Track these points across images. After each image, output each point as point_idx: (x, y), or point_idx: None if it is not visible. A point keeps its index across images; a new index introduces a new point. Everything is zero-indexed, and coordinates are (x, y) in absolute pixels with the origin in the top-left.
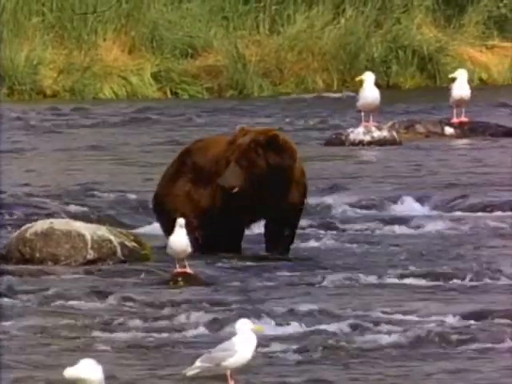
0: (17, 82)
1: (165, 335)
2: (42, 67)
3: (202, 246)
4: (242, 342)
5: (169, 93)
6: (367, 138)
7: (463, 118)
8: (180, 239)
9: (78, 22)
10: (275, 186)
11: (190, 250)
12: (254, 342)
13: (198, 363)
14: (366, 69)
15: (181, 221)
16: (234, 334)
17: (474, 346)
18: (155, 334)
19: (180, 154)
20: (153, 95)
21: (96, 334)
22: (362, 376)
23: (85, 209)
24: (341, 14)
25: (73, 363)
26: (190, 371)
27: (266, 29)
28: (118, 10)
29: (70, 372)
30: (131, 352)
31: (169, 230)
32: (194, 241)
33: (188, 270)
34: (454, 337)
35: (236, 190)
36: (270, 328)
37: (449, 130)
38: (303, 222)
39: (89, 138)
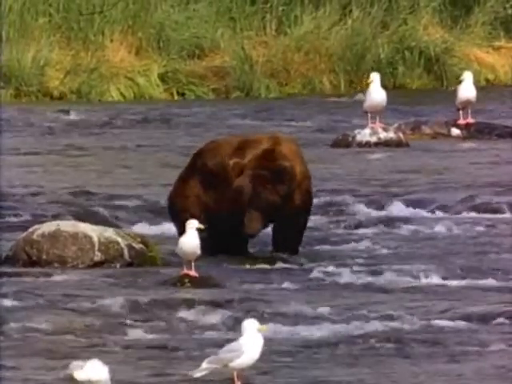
0: (23, 83)
1: (171, 336)
2: (49, 68)
3: (210, 247)
4: (249, 342)
5: (175, 94)
6: (374, 139)
7: (469, 119)
8: (190, 240)
9: (85, 23)
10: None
11: (199, 251)
12: (260, 342)
13: (204, 364)
14: (373, 70)
15: (192, 222)
16: (240, 334)
17: (476, 346)
18: (162, 336)
19: (193, 155)
20: (159, 96)
21: (102, 335)
22: (368, 376)
23: (92, 210)
24: (347, 14)
25: (80, 364)
26: (197, 372)
27: (273, 30)
28: (124, 10)
29: (77, 373)
30: (138, 353)
31: (180, 230)
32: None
33: (192, 272)
34: (458, 337)
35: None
36: (276, 329)
37: (455, 131)
38: (311, 223)
39: (95, 139)
